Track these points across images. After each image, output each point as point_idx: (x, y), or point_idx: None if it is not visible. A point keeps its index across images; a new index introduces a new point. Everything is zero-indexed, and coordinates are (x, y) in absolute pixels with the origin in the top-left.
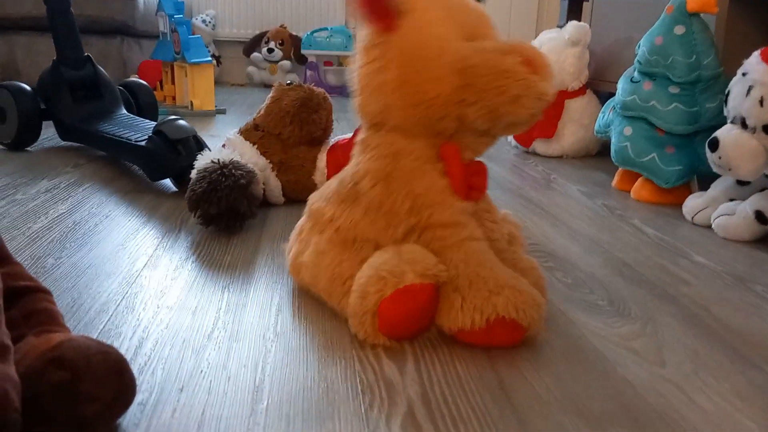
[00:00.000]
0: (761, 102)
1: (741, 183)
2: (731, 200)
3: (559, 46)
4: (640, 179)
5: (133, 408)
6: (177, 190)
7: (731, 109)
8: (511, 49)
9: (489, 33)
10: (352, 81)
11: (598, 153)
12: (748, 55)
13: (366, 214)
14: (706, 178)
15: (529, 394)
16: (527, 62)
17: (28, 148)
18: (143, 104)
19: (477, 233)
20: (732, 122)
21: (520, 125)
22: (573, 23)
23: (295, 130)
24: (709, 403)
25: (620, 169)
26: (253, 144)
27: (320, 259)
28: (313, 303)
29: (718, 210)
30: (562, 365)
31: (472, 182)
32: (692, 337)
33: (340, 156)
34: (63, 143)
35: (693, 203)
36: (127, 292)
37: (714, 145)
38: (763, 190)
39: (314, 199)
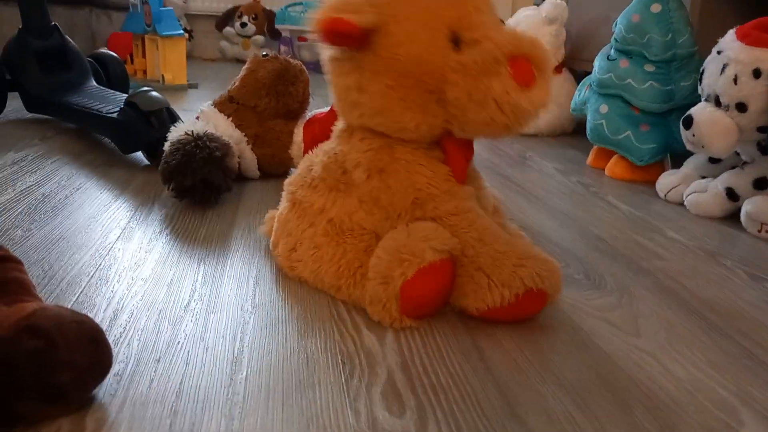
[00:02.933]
0: (735, 80)
1: (713, 161)
2: (703, 178)
3: (536, 24)
4: (614, 157)
5: (109, 379)
6: (150, 163)
7: (706, 86)
8: (501, 57)
9: (480, 20)
10: (330, 88)
11: (573, 131)
12: (722, 33)
13: (361, 206)
14: (679, 156)
15: (508, 364)
16: (521, 75)
17: None
18: (113, 76)
19: (481, 211)
20: (706, 100)
21: (509, 136)
22: (550, 1)
23: (271, 103)
24: (683, 371)
25: (595, 147)
26: (228, 116)
27: (320, 253)
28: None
29: (690, 187)
30: (540, 336)
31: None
32: (666, 308)
33: (317, 130)
34: (29, 115)
35: (666, 180)
36: (100, 265)
37: (688, 122)
38: (733, 167)
39: (295, 186)
